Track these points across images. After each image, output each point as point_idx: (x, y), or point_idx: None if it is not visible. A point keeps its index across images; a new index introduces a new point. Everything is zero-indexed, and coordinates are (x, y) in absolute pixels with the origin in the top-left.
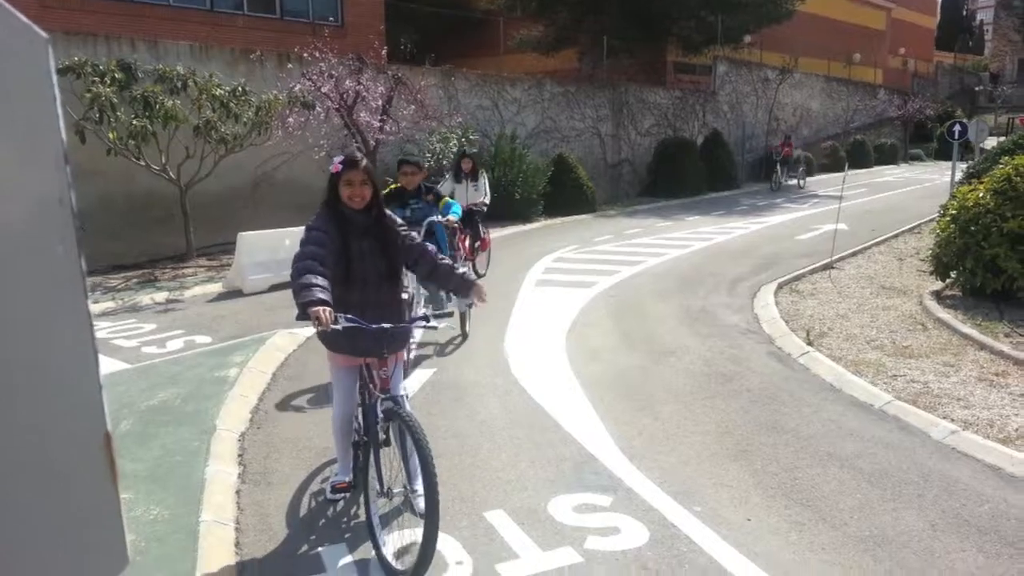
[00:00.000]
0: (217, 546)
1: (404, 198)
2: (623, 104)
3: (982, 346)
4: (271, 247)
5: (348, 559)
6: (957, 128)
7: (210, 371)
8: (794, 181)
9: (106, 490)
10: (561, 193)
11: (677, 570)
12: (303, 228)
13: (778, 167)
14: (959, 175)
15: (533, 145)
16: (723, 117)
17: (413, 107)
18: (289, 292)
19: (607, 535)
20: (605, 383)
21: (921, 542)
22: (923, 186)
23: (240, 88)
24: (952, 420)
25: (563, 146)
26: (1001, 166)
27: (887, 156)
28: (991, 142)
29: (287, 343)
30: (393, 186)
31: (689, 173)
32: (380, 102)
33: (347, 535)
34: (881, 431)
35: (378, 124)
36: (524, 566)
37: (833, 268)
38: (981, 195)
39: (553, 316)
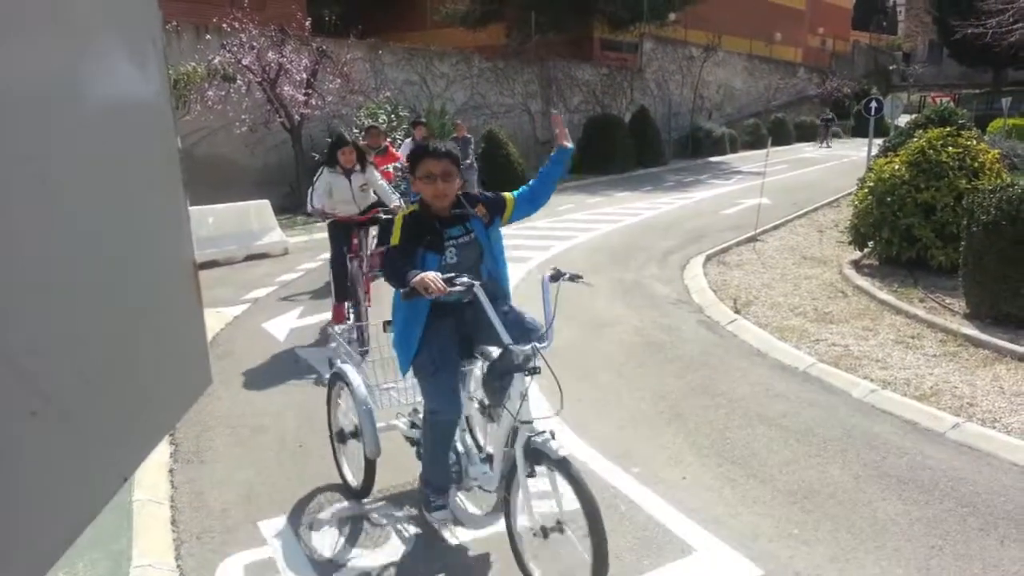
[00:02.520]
0: (152, 524)
1: (433, 230)
2: (552, 80)
3: (898, 311)
4: (193, 225)
5: (288, 531)
6: (873, 104)
7: None
8: None
9: (195, 314)
10: (492, 170)
11: (616, 528)
12: (229, 205)
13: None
14: (874, 150)
15: (462, 121)
16: (650, 94)
17: (339, 81)
18: (211, 272)
19: (548, 499)
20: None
21: (846, 493)
22: (841, 162)
23: None
24: (872, 380)
25: (492, 122)
26: (915, 139)
27: (807, 133)
28: (904, 119)
29: (214, 323)
30: (411, 208)
31: (618, 150)
32: (304, 75)
33: (286, 507)
34: (806, 392)
35: (303, 98)
36: (467, 532)
37: (757, 240)
38: (897, 167)
39: None
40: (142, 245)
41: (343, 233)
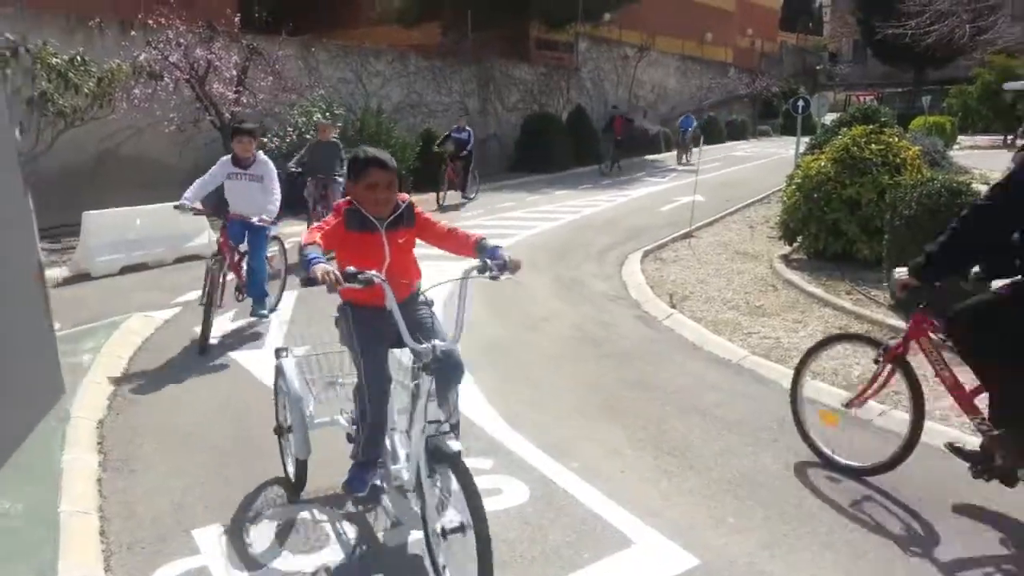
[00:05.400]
0: (80, 535)
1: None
2: (489, 79)
3: (826, 303)
4: (120, 227)
5: (223, 539)
6: (801, 103)
7: (61, 359)
8: None
9: (42, 323)
10: (430, 168)
11: (556, 522)
12: (157, 206)
13: None
14: (802, 148)
15: (399, 120)
16: (586, 94)
17: (271, 79)
18: (140, 275)
19: (490, 496)
20: (481, 351)
21: (777, 480)
22: (771, 159)
23: (79, 57)
24: None
25: (430, 121)
26: (840, 137)
27: (738, 132)
28: (830, 117)
29: (143, 327)
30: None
31: (556, 148)
32: (235, 73)
33: (220, 514)
34: (739, 383)
35: (233, 96)
36: (407, 532)
37: (692, 237)
38: (823, 164)
39: (427, 289)
40: None
41: None
